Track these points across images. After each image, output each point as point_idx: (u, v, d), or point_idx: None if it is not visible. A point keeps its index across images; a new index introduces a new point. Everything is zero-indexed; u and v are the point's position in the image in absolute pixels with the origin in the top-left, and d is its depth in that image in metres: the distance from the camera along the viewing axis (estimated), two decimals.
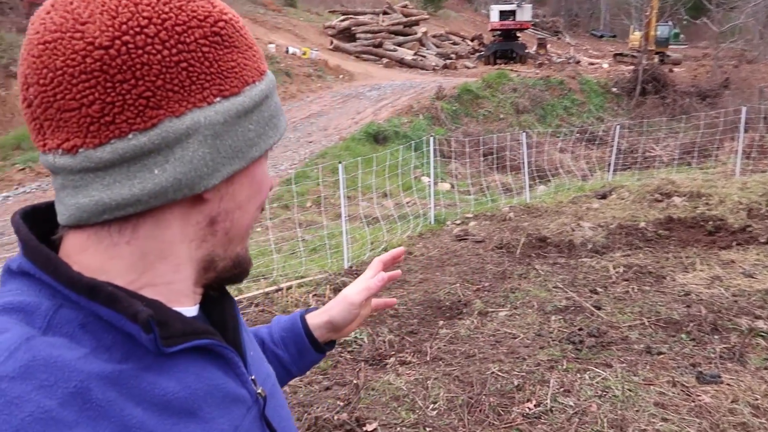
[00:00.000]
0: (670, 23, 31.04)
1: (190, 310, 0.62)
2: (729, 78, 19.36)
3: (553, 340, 3.81)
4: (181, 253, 0.59)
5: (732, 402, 2.98)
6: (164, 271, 0.58)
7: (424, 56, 24.99)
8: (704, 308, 4.10)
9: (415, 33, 26.45)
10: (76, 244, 0.56)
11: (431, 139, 7.43)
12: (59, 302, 0.53)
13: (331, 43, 24.11)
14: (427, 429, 2.97)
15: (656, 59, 24.21)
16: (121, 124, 0.51)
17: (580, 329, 3.91)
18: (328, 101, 15.25)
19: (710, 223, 6.03)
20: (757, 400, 2.99)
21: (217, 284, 0.67)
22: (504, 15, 25.82)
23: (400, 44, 25.29)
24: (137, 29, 0.51)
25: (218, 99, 0.56)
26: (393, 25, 25.97)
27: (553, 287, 4.69)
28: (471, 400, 3.18)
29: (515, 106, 14.61)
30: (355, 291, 0.98)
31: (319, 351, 0.99)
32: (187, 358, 0.57)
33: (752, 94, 15.67)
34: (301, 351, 0.98)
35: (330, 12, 29.81)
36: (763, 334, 3.66)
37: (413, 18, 27.15)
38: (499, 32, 26.09)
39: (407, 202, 7.71)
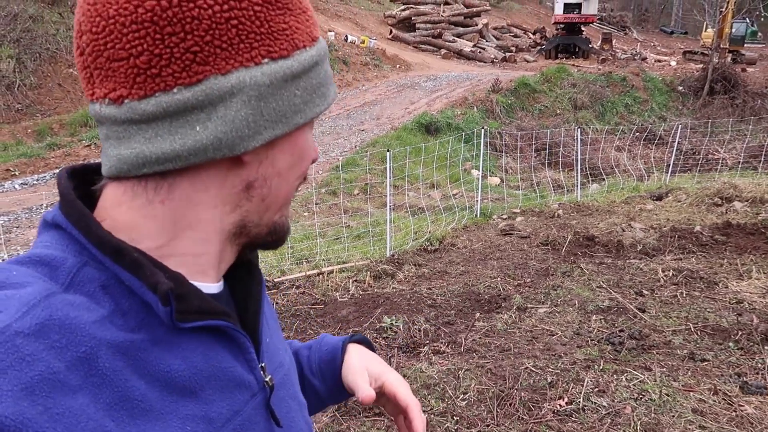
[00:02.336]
0: (747, 20, 29.42)
1: (213, 286, 0.62)
2: None
3: (591, 340, 3.74)
4: (214, 219, 0.58)
5: None
6: (194, 240, 0.58)
7: (483, 48, 24.63)
8: (756, 317, 3.92)
9: (476, 24, 26.09)
10: (113, 198, 0.57)
11: (482, 131, 7.35)
12: (84, 260, 0.53)
13: (391, 32, 24.10)
14: (455, 418, 2.98)
15: (729, 58, 23.03)
16: (167, 77, 0.51)
17: (621, 330, 3.82)
18: (382, 90, 15.29)
19: None
20: None
21: (251, 249, 0.66)
22: (569, 8, 25.05)
23: (459, 35, 25.02)
24: None
25: (266, 60, 0.54)
26: (454, 15, 25.68)
27: (597, 287, 4.58)
28: (502, 394, 3.16)
29: (573, 102, 14.22)
30: (353, 382, 0.87)
31: None
32: (198, 336, 0.57)
33: None
34: (340, 387, 0.89)
35: (391, 1, 29.77)
36: None
37: (474, 9, 26.76)
38: (562, 25, 25.38)
39: (454, 194, 7.67)
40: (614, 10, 40.60)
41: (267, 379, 0.65)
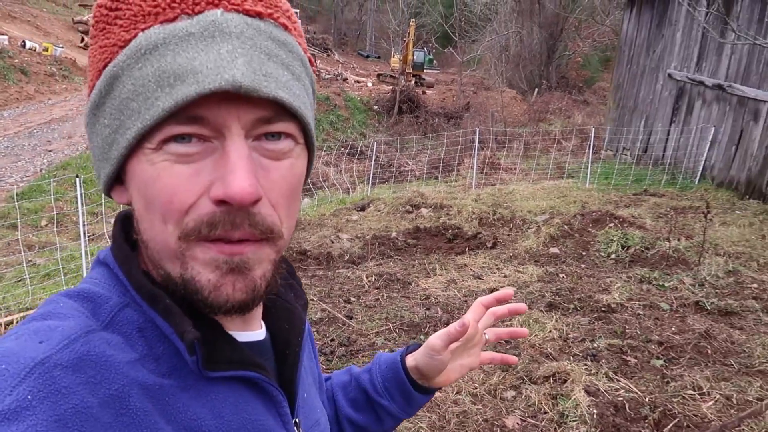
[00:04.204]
0: (425, 50, 34.50)
1: (253, 334, 0.61)
2: (470, 102, 22.19)
3: None
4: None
5: (456, 393, 3.34)
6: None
7: None
8: (440, 309, 4.56)
9: None
10: None
11: None
12: (126, 301, 0.54)
13: (82, 40, 21.65)
14: None
15: (413, 81, 26.68)
16: None
17: (332, 340, 4.04)
18: (74, 105, 13.63)
19: (450, 231, 6.77)
20: (476, 389, 3.40)
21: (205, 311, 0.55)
22: None
23: None
24: None
25: (89, 98, 0.54)
26: None
27: (310, 300, 4.78)
28: None
29: None
30: (436, 335, 0.87)
31: (425, 393, 0.92)
32: (229, 386, 0.55)
33: (487, 117, 18.17)
34: (408, 399, 0.91)
35: (81, 5, 26.81)
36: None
37: None
38: None
39: None
40: (317, 33, 43.52)
41: None
